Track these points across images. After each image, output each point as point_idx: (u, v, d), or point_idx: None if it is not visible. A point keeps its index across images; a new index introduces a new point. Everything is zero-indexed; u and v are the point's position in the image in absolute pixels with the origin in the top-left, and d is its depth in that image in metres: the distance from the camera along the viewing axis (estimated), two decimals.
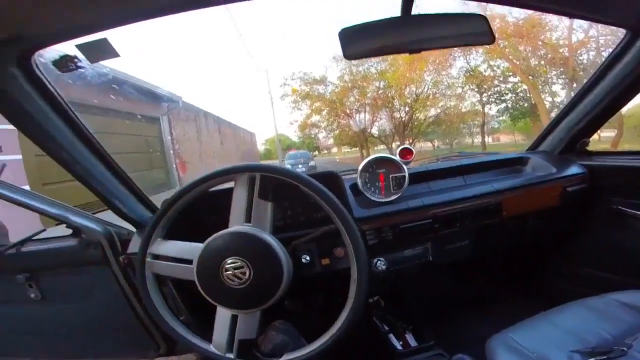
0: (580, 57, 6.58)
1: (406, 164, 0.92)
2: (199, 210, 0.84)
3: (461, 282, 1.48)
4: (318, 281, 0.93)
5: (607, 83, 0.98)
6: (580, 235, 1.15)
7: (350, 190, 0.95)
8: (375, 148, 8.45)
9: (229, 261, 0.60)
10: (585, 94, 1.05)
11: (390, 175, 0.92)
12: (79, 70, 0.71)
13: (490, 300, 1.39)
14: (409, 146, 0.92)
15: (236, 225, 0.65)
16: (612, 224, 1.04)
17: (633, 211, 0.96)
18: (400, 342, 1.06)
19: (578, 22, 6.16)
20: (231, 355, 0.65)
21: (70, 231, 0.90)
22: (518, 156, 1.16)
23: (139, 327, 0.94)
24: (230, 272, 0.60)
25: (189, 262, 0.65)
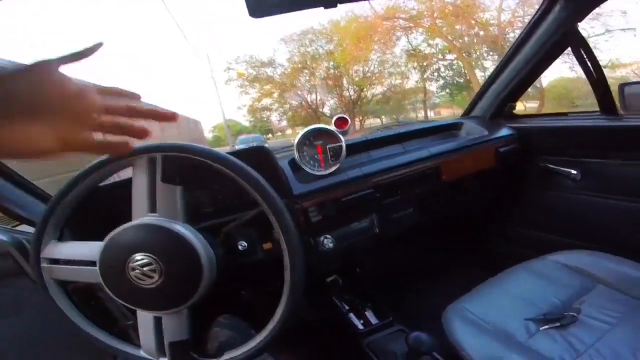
0: (508, 35, 7.19)
1: (343, 133, 0.86)
2: (104, 204, 0.71)
3: (412, 255, 1.52)
4: (270, 266, 0.87)
5: (528, 50, 1.02)
6: (516, 197, 1.21)
7: (289, 166, 0.88)
8: None
9: (135, 258, 0.50)
10: (509, 60, 1.09)
11: (328, 146, 0.86)
12: None
13: (441, 269, 1.45)
14: (344, 115, 0.86)
15: (139, 216, 0.54)
16: (543, 184, 1.11)
17: (558, 167, 1.03)
18: (362, 321, 1.04)
19: (507, 3, 6.67)
20: (165, 359, 0.58)
21: None
22: (453, 122, 1.18)
23: None
24: (138, 270, 0.50)
25: (93, 263, 0.54)
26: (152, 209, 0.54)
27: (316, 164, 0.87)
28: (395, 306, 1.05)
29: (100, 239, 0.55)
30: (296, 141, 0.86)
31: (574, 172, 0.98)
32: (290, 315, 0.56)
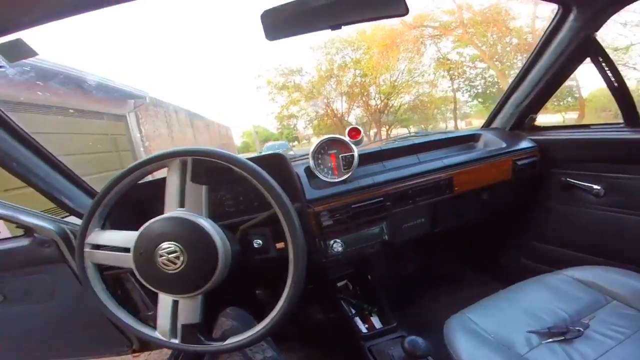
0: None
1: (356, 143, 0.91)
2: (141, 200, 0.81)
3: (424, 262, 1.52)
4: (281, 266, 0.92)
5: (545, 60, 1.02)
6: (534, 210, 1.19)
7: (305, 173, 0.94)
8: None
9: (163, 246, 0.59)
10: (528, 71, 1.08)
11: (340, 155, 0.91)
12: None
13: (452, 278, 1.44)
14: (356, 126, 0.92)
15: (170, 210, 0.63)
16: (563, 198, 1.08)
17: (580, 183, 1.00)
18: (366, 325, 1.07)
19: (541, 10, 6.39)
20: (176, 341, 0.65)
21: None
22: (470, 133, 1.18)
23: (109, 323, 0.91)
24: (165, 257, 0.59)
25: (128, 250, 0.63)
26: (181, 204, 0.62)
27: (330, 172, 0.93)
28: (402, 313, 1.06)
29: (135, 229, 0.64)
30: (312, 150, 0.92)
31: (596, 187, 0.95)
32: (290, 307, 0.61)
